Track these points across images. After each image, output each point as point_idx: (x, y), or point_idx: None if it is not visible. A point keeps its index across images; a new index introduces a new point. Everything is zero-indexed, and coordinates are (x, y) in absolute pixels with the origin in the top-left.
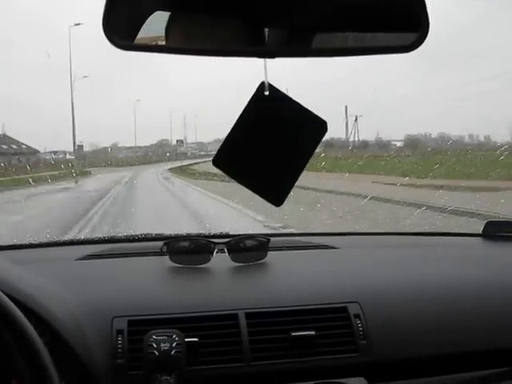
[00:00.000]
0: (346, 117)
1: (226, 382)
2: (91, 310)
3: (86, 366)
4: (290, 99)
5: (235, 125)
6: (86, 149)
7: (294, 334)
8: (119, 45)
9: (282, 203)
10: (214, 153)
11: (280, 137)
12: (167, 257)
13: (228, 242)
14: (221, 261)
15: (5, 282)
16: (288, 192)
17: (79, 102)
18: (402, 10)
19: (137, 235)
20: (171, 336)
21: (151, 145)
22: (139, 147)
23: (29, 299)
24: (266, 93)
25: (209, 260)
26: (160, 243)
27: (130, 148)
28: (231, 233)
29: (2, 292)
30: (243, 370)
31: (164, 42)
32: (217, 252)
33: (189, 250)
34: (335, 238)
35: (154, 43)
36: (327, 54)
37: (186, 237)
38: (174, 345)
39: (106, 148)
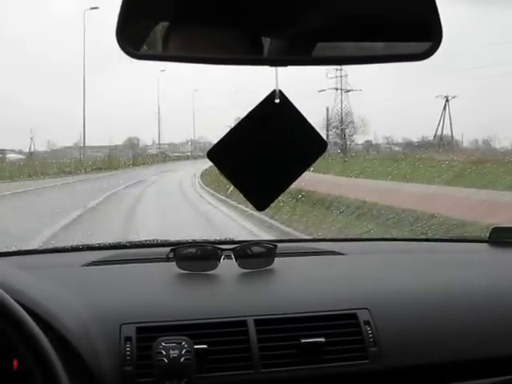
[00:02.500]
0: None
1: None
2: (99, 317)
3: (94, 373)
4: (298, 112)
5: (239, 123)
6: (40, 148)
7: (303, 340)
8: (133, 54)
9: (264, 209)
10: (189, 154)
11: (280, 145)
12: (174, 263)
13: (235, 248)
14: (228, 267)
15: (12, 289)
16: (273, 200)
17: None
18: (414, 19)
19: (142, 241)
20: (180, 343)
21: (116, 145)
22: (103, 147)
23: (36, 306)
24: (277, 100)
25: (216, 266)
26: (166, 249)
27: (96, 148)
28: (236, 239)
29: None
30: (253, 377)
31: (174, 52)
32: (224, 258)
33: (196, 257)
34: (342, 244)
35: (164, 53)
36: (336, 63)
37: (192, 243)
38: (183, 352)
39: (67, 148)
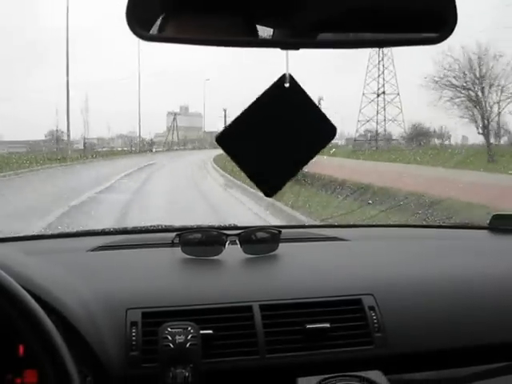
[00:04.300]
0: None
1: (240, 374)
2: (105, 302)
3: (100, 358)
4: (308, 97)
5: (248, 108)
6: None
7: (308, 326)
8: (142, 36)
9: (272, 195)
10: (120, 149)
11: (289, 130)
12: (179, 248)
13: (240, 233)
14: (233, 252)
15: (17, 274)
16: (282, 186)
17: None
18: (429, 2)
19: (148, 226)
20: (186, 328)
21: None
22: (23, 142)
23: (42, 291)
24: (287, 85)
25: (221, 252)
26: (171, 234)
27: (13, 143)
28: (240, 225)
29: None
30: (258, 362)
31: (185, 34)
32: (228, 244)
33: (201, 242)
34: (346, 230)
35: (175, 35)
36: (349, 46)
37: (197, 228)
38: (189, 337)
39: None
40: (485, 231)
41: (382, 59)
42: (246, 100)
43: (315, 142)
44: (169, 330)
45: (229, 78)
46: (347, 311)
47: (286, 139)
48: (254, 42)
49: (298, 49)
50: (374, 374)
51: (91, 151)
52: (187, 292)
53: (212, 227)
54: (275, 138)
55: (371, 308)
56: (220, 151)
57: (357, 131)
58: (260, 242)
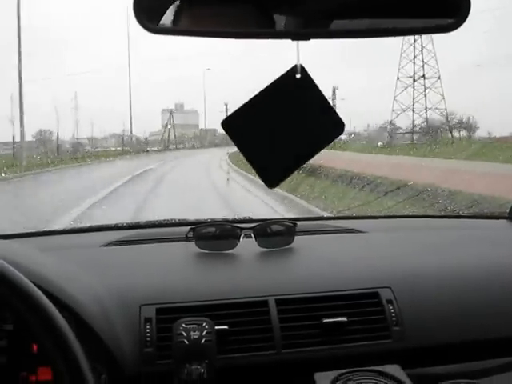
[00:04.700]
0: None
1: (256, 370)
2: (118, 298)
3: (114, 354)
4: (318, 89)
5: (257, 95)
6: None
7: (325, 320)
8: (150, 29)
9: (275, 186)
10: (114, 149)
11: (296, 122)
12: (193, 242)
13: (254, 227)
14: (247, 246)
15: (29, 270)
16: (285, 178)
17: None
18: None
19: (161, 221)
20: (201, 324)
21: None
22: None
23: (54, 287)
24: (298, 75)
25: (235, 245)
26: (184, 229)
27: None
28: (255, 218)
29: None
30: (274, 357)
31: (194, 26)
32: (243, 237)
33: (215, 236)
34: (361, 222)
35: (183, 27)
36: (361, 35)
37: (211, 222)
38: (204, 333)
39: None
40: (504, 221)
41: (420, 36)
42: (243, 96)
43: (322, 136)
44: (183, 325)
45: (228, 71)
46: (364, 305)
47: (292, 130)
48: (265, 33)
49: (308, 39)
50: (392, 368)
51: (76, 153)
52: (202, 287)
53: (226, 220)
54: (282, 128)
55: (389, 301)
56: (231, 150)
57: (391, 123)
58: (275, 235)
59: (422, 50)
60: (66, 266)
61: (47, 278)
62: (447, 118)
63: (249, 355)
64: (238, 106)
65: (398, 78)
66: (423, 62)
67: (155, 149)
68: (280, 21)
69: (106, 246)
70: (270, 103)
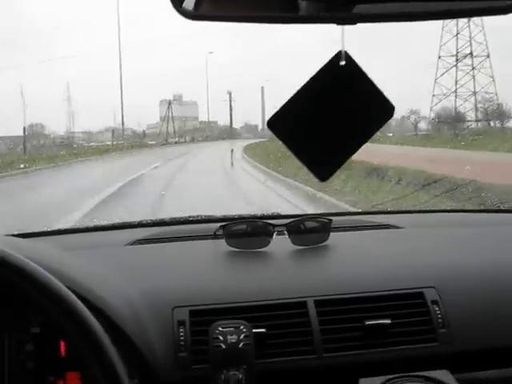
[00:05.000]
0: None
1: (297, 375)
2: (150, 300)
3: (147, 359)
4: (365, 74)
5: (301, 88)
6: None
7: (367, 322)
8: (186, 14)
9: (327, 179)
10: (109, 143)
11: (345, 111)
12: (223, 240)
13: (288, 223)
14: (281, 244)
15: (57, 271)
16: (336, 169)
17: None
18: None
19: (186, 217)
20: (238, 327)
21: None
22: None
23: (84, 289)
24: (342, 62)
25: (268, 243)
26: (211, 226)
27: None
28: (284, 213)
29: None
30: (315, 362)
31: (233, 11)
32: (276, 234)
33: (247, 233)
34: (397, 217)
35: (222, 12)
36: (411, 18)
37: (242, 219)
38: (241, 337)
39: None
40: None
41: None
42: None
43: (372, 123)
44: (220, 329)
45: (231, 56)
46: (409, 306)
47: (341, 120)
48: (309, 17)
49: (355, 23)
50: (441, 374)
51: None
52: (235, 288)
53: (255, 217)
54: (329, 118)
55: (434, 302)
56: (239, 143)
57: (431, 109)
58: (310, 231)
59: (468, 23)
60: (92, 266)
61: (75, 279)
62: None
63: (288, 360)
64: (240, 95)
65: (439, 57)
66: (470, 37)
67: (153, 142)
68: (323, 4)
69: (131, 244)
70: (316, 95)
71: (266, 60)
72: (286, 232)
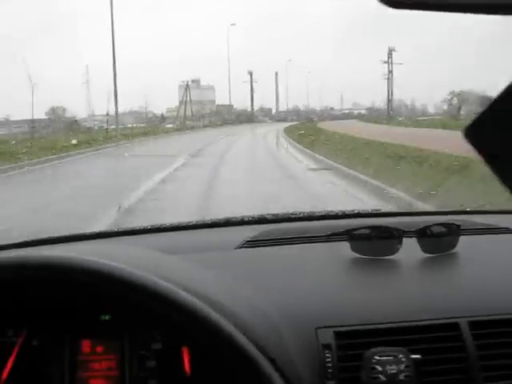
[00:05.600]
0: None
1: None
2: (291, 320)
3: None
4: None
5: (503, 92)
6: None
7: None
8: (390, 2)
9: None
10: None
11: None
12: (346, 244)
13: (419, 229)
14: (409, 251)
15: (179, 282)
16: None
17: None
18: None
19: (296, 213)
20: (397, 356)
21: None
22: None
23: (215, 305)
24: None
25: (397, 250)
26: (317, 224)
27: (17, 122)
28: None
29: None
30: None
31: None
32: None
33: (372, 237)
34: (501, 217)
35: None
36: None
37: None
38: (402, 367)
39: None
40: None
41: None
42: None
43: None
44: (377, 358)
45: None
46: None
47: None
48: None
49: None
50: None
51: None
52: (376, 305)
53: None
54: None
55: None
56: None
57: None
58: (438, 236)
59: None
60: (207, 276)
61: (204, 293)
62: None
63: None
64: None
65: None
66: None
67: (171, 126)
68: None
69: (240, 247)
70: None
71: (279, 45)
72: (415, 238)
